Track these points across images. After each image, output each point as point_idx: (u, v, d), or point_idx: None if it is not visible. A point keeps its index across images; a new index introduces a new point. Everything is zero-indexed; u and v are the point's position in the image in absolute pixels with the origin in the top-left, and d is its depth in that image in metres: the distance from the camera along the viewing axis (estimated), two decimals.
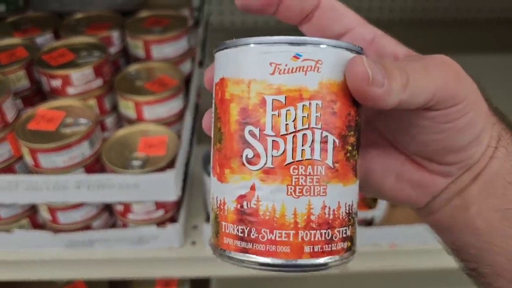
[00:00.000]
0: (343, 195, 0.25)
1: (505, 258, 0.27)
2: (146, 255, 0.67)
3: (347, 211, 0.25)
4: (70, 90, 0.65)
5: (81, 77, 0.65)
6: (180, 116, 0.70)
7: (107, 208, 0.68)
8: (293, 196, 0.23)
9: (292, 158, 0.23)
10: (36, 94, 0.69)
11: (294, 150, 0.23)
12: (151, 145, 0.64)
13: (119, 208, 0.65)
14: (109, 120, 0.71)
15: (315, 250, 0.24)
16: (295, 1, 0.27)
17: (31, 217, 0.68)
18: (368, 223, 0.68)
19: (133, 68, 0.71)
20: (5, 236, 0.66)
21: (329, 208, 0.24)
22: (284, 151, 0.23)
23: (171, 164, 0.62)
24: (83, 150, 0.60)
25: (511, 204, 0.27)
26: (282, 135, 0.23)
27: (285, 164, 0.23)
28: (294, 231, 0.24)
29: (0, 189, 0.61)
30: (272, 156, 0.23)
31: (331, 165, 0.24)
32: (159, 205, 0.64)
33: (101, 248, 0.67)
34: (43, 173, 0.60)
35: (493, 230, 0.27)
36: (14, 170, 0.63)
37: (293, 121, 0.23)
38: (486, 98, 0.27)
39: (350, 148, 0.25)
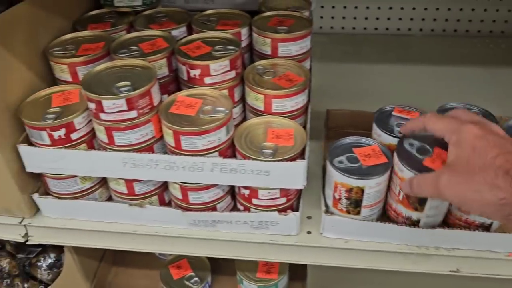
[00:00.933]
0: None
1: None
2: (263, 239, 0.71)
3: None
4: (207, 79, 0.70)
5: (218, 68, 0.70)
6: (303, 110, 0.74)
7: (231, 191, 0.73)
8: None
9: None
10: (172, 82, 0.75)
11: None
12: (278, 136, 0.68)
13: (245, 192, 0.69)
14: (235, 110, 0.76)
15: None
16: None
17: (160, 195, 0.74)
18: (413, 224, 0.68)
19: (261, 63, 0.76)
20: (138, 210, 0.72)
21: None
22: None
23: (298, 155, 0.65)
24: (220, 136, 0.65)
25: None
26: None
27: None
28: None
29: (141, 166, 0.67)
30: None
31: None
32: (283, 193, 0.68)
33: (222, 229, 0.71)
34: (181, 154, 0.65)
35: None
36: (153, 150, 0.69)
37: None
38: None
39: None
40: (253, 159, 0.64)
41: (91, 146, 0.70)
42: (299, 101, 0.72)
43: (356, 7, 1.28)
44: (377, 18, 1.29)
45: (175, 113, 0.66)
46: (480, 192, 0.48)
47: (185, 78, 0.72)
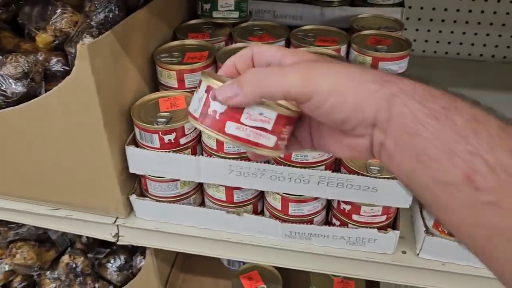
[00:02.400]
0: None
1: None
2: (358, 256, 0.71)
3: None
4: None
5: None
6: None
7: (327, 205, 0.73)
8: None
9: None
10: None
11: None
12: None
13: (345, 207, 0.69)
14: None
15: None
16: (243, 63, 0.42)
17: (255, 204, 0.75)
18: None
19: None
20: (235, 218, 0.72)
21: None
22: None
23: None
24: None
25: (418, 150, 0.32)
26: None
27: None
28: None
29: (247, 175, 0.68)
30: None
31: None
32: (384, 210, 0.68)
33: (317, 243, 0.72)
34: (289, 165, 0.66)
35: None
36: None
37: None
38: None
39: None
40: (362, 174, 0.64)
41: (194, 152, 0.72)
42: None
43: (428, 30, 1.28)
44: (449, 43, 1.29)
45: None
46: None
47: None
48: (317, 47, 0.79)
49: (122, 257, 1.04)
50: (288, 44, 0.84)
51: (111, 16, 0.69)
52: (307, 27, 0.87)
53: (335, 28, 0.86)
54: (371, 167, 0.65)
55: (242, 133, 0.37)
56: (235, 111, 0.37)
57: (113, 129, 0.69)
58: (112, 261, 1.04)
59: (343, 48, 0.81)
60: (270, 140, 0.38)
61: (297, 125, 0.41)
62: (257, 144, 0.38)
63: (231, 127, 0.37)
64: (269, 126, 0.38)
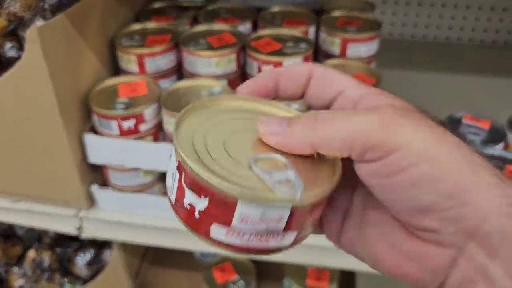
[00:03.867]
0: None
1: None
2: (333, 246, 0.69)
3: None
4: None
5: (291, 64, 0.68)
6: None
7: None
8: None
9: None
10: (239, 78, 0.74)
11: None
12: None
13: None
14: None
15: None
16: (289, 83, 0.28)
17: None
18: None
19: (330, 63, 0.74)
20: None
21: None
22: None
23: None
24: None
25: None
26: None
27: None
28: None
29: None
30: None
31: None
32: None
33: None
34: None
35: None
36: None
37: None
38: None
39: None
40: None
41: (156, 139, 0.69)
42: None
43: (405, 14, 1.26)
44: (426, 26, 1.27)
45: None
46: None
47: (255, 73, 0.70)
48: (284, 29, 0.76)
49: (92, 251, 1.01)
50: (255, 27, 0.81)
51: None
52: (275, 9, 0.84)
53: (304, 10, 0.84)
54: None
55: (238, 240, 0.24)
56: (222, 209, 0.23)
57: (71, 116, 0.66)
58: (81, 255, 1.01)
59: (311, 30, 0.78)
60: (285, 239, 0.24)
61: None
62: (264, 251, 0.24)
63: (219, 233, 0.23)
64: (280, 226, 0.24)
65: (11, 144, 0.69)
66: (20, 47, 0.70)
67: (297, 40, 0.73)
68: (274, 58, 0.68)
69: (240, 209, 0.22)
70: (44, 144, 0.67)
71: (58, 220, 0.76)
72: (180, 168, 0.24)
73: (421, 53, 1.25)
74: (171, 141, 0.66)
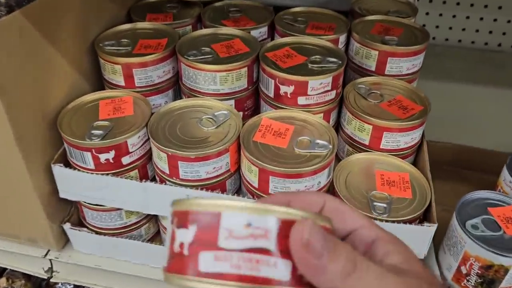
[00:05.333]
0: None
1: None
2: None
3: None
4: (302, 99, 0.54)
5: (318, 86, 0.53)
6: (416, 148, 0.57)
7: None
8: None
9: None
10: (250, 97, 0.59)
11: None
12: (391, 183, 0.52)
13: None
14: None
15: None
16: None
17: None
18: None
19: (364, 81, 0.59)
20: None
21: None
22: None
23: (421, 214, 0.49)
24: (321, 180, 0.48)
25: None
26: None
27: None
28: None
29: None
30: None
31: None
32: None
33: None
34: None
35: None
36: (225, 186, 0.53)
37: None
38: None
39: None
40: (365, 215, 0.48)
41: (143, 174, 0.55)
42: (415, 136, 0.55)
43: (440, 14, 1.11)
44: (463, 29, 1.12)
45: (260, 142, 0.50)
46: None
47: (271, 94, 0.56)
48: (306, 36, 0.61)
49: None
50: (272, 31, 0.66)
51: None
52: (296, 9, 0.69)
53: (331, 11, 0.68)
54: (375, 204, 0.49)
55: (227, 266, 0.22)
56: (208, 232, 0.22)
57: (33, 142, 0.51)
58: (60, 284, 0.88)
59: (342, 38, 0.63)
60: (279, 269, 0.22)
61: None
62: (258, 280, 0.22)
63: (207, 261, 0.22)
64: (269, 244, 0.22)
65: None
66: None
67: (325, 52, 0.58)
68: (297, 77, 0.53)
69: (225, 221, 0.22)
70: (4, 175, 0.53)
71: (25, 260, 0.63)
72: (174, 215, 0.24)
73: (456, 59, 1.10)
74: (161, 179, 0.52)
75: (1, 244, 0.63)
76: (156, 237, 0.62)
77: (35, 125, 0.51)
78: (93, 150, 0.50)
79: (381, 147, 0.55)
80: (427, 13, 1.10)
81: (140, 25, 0.63)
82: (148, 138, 0.52)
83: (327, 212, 0.27)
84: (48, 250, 0.61)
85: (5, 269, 0.89)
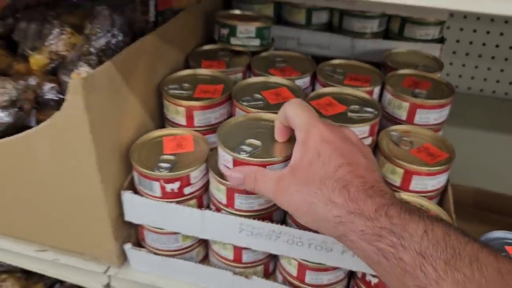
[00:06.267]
0: None
1: None
2: None
3: None
4: None
5: (357, 133, 0.61)
6: (441, 191, 0.64)
7: (351, 273, 0.63)
8: None
9: None
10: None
11: None
12: None
13: (372, 280, 0.59)
14: None
15: None
16: None
17: (266, 264, 0.65)
18: None
19: (396, 129, 0.67)
20: (242, 281, 0.63)
21: None
22: None
23: None
24: None
25: None
26: None
27: None
28: None
29: (259, 235, 0.58)
30: None
31: None
32: None
33: None
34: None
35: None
36: (272, 217, 0.60)
37: None
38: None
39: None
40: None
41: (200, 203, 0.62)
42: (441, 180, 0.62)
43: (463, 65, 1.18)
44: (485, 79, 1.19)
45: None
46: (315, 206, 0.43)
47: None
48: (345, 87, 0.69)
49: None
50: (313, 80, 0.74)
51: (113, 42, 0.60)
52: (335, 61, 0.77)
53: (367, 64, 0.77)
54: None
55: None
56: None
57: (109, 170, 0.60)
58: None
59: (376, 90, 0.71)
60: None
61: None
62: None
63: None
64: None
65: (43, 193, 0.63)
66: (60, 89, 0.65)
67: (362, 102, 0.66)
68: (337, 124, 0.60)
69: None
70: (79, 197, 0.61)
71: (84, 275, 0.70)
72: None
73: (478, 108, 1.17)
74: (217, 208, 0.60)
75: (64, 259, 0.70)
76: (204, 260, 0.69)
77: (112, 156, 0.60)
78: (161, 180, 0.58)
79: (410, 188, 0.62)
80: (450, 63, 1.18)
81: (199, 71, 0.72)
82: (207, 172, 0.60)
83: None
84: (108, 267, 0.69)
85: (56, 281, 0.97)
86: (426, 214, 0.40)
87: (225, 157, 0.54)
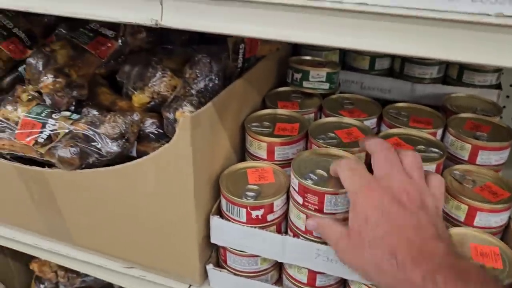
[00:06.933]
0: None
1: None
2: None
3: None
4: None
5: None
6: (503, 228, 0.69)
7: None
8: None
9: None
10: None
11: None
12: (483, 255, 0.63)
13: None
14: None
15: None
16: None
17: None
18: None
19: (459, 168, 0.72)
20: None
21: None
22: None
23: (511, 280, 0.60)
24: None
25: None
26: None
27: None
28: None
29: (335, 261, 0.64)
30: None
31: None
32: None
33: None
34: None
35: None
36: None
37: None
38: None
39: None
40: None
41: (279, 229, 0.69)
42: (504, 217, 0.67)
43: None
44: None
45: None
46: (367, 273, 0.48)
47: None
48: (411, 129, 0.76)
49: None
50: (380, 121, 0.81)
51: (210, 85, 0.69)
52: (400, 105, 0.84)
53: (429, 108, 0.83)
54: None
55: None
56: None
57: (201, 197, 0.68)
58: None
59: (439, 131, 0.77)
60: None
61: None
62: None
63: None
64: None
65: (141, 214, 0.71)
66: (160, 124, 0.74)
67: (428, 143, 0.72)
68: None
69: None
70: (172, 219, 0.69)
71: None
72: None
73: None
74: (295, 234, 0.67)
75: (150, 276, 0.78)
76: (276, 282, 0.75)
77: (205, 184, 0.68)
78: (248, 207, 0.65)
79: (474, 224, 0.67)
80: (504, 106, 1.23)
81: (278, 111, 0.80)
82: (287, 201, 0.68)
83: None
84: (190, 285, 0.76)
85: None
86: (475, 278, 0.43)
87: (293, 181, 0.63)
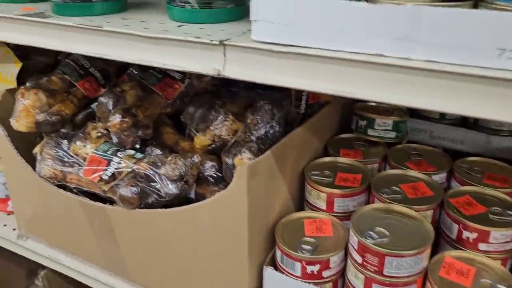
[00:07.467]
0: None
1: None
2: None
3: None
4: (482, 246, 0.62)
5: (499, 237, 0.61)
6: None
7: None
8: None
9: None
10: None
11: None
12: None
13: None
14: None
15: None
16: None
17: None
18: None
19: None
20: None
21: None
22: None
23: None
24: None
25: None
26: None
27: None
28: None
29: None
30: None
31: None
32: None
33: None
34: None
35: None
36: None
37: None
38: None
39: None
40: None
41: (335, 286, 0.66)
42: None
43: None
44: None
45: (445, 278, 0.59)
46: None
47: (454, 236, 0.65)
48: (485, 187, 0.70)
49: None
50: (450, 176, 0.76)
51: (271, 132, 0.69)
52: (473, 159, 0.78)
53: (506, 164, 0.77)
54: None
55: None
56: None
57: (255, 245, 0.66)
58: None
59: None
60: None
61: None
62: None
63: None
64: None
65: (194, 255, 0.71)
66: (219, 167, 0.74)
67: (504, 205, 0.66)
68: (480, 226, 0.62)
69: None
70: (224, 265, 0.68)
71: None
72: None
73: None
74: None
75: None
76: None
77: (259, 232, 0.66)
78: (303, 262, 0.63)
79: None
80: None
81: (339, 159, 0.78)
82: (345, 258, 0.64)
83: None
84: None
85: None
86: None
87: (352, 238, 0.60)
